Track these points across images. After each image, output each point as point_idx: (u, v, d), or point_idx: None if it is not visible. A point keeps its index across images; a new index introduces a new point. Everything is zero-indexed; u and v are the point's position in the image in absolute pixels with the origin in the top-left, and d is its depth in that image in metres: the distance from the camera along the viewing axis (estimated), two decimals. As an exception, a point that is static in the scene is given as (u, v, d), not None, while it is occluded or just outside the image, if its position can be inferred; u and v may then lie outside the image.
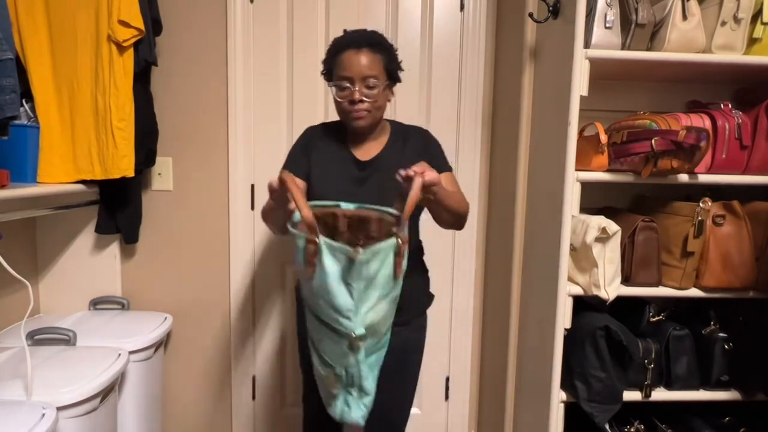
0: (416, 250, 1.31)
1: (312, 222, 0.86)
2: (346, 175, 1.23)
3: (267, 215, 1.22)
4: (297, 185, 0.90)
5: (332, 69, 1.21)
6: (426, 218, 1.22)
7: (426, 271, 1.37)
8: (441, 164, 1.26)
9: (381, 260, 0.88)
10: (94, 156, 1.48)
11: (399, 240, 0.90)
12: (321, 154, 1.27)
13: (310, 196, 1.22)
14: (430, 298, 1.37)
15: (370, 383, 0.96)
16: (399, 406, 1.31)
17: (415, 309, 1.29)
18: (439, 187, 0.98)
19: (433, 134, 1.34)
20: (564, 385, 1.35)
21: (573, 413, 1.36)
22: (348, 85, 1.17)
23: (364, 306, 0.89)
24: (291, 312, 1.89)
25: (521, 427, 1.59)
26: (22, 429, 0.97)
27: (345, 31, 1.24)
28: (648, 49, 1.35)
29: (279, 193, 0.94)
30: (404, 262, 0.93)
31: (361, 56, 1.16)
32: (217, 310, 1.85)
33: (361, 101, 1.17)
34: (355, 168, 1.24)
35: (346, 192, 1.16)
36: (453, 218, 1.17)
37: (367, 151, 1.26)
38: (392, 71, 1.23)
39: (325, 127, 1.34)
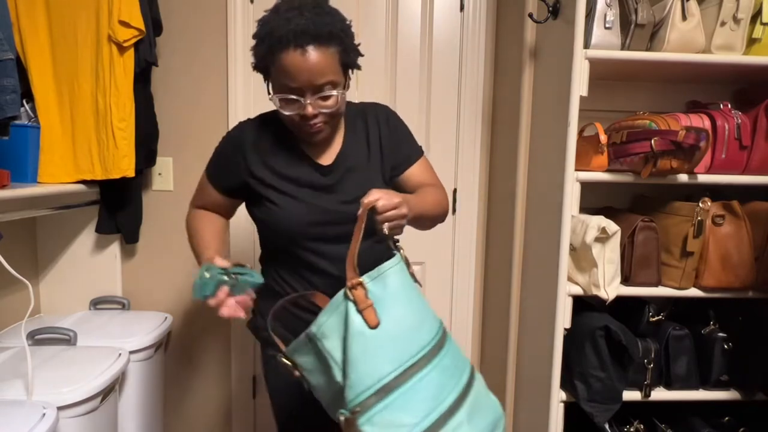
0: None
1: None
2: (309, 186, 1.01)
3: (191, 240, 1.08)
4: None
5: (269, 67, 0.93)
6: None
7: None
8: (411, 151, 1.09)
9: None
10: (94, 156, 1.49)
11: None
12: (268, 160, 1.02)
13: (261, 209, 1.04)
14: None
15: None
16: None
17: None
18: (404, 210, 0.85)
19: (400, 118, 1.12)
20: (564, 385, 1.35)
21: (573, 413, 1.37)
22: (296, 98, 0.91)
23: None
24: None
25: (521, 427, 1.59)
26: (22, 429, 0.97)
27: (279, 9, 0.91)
28: (648, 50, 1.35)
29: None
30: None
31: (309, 58, 0.86)
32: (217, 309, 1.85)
33: (316, 115, 0.93)
34: (318, 174, 1.02)
35: (316, 205, 1.00)
36: (432, 223, 1.05)
37: (325, 153, 1.04)
38: (350, 62, 0.95)
39: (263, 123, 1.05)
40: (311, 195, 1.01)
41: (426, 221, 1.02)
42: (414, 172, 1.09)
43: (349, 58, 0.94)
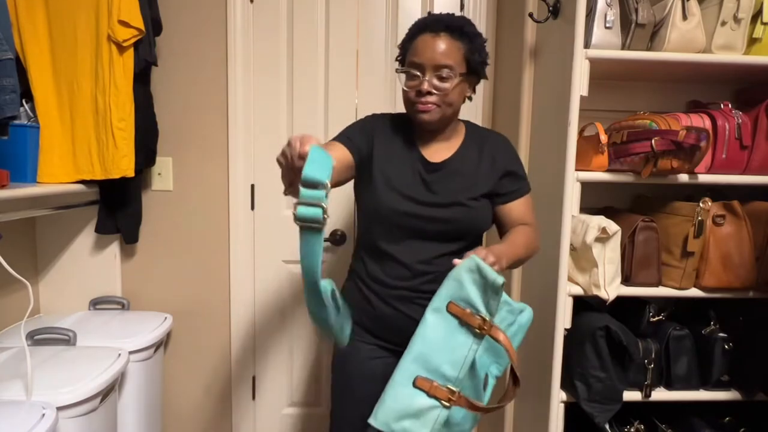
0: None
1: None
2: (412, 175, 1.11)
3: None
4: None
5: (406, 54, 1.09)
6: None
7: None
8: (519, 186, 1.15)
9: None
10: (94, 156, 1.48)
11: None
12: (386, 144, 1.12)
13: (364, 187, 1.12)
14: None
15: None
16: None
17: None
18: (502, 261, 0.96)
19: (517, 153, 1.21)
20: (564, 385, 1.35)
21: (573, 413, 1.36)
22: (417, 73, 1.04)
23: None
24: (291, 311, 1.89)
25: (521, 427, 1.59)
26: (22, 429, 0.97)
27: (429, 13, 1.13)
28: (648, 49, 1.35)
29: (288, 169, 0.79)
30: None
31: (438, 41, 1.02)
32: (217, 310, 1.85)
33: (429, 93, 1.04)
34: (423, 169, 1.11)
35: (414, 193, 1.09)
36: (522, 264, 1.14)
37: (436, 152, 1.13)
38: (474, 63, 1.07)
39: (392, 118, 1.20)
40: (410, 187, 1.09)
41: (517, 265, 1.11)
42: (515, 208, 1.15)
43: (473, 57, 1.06)
